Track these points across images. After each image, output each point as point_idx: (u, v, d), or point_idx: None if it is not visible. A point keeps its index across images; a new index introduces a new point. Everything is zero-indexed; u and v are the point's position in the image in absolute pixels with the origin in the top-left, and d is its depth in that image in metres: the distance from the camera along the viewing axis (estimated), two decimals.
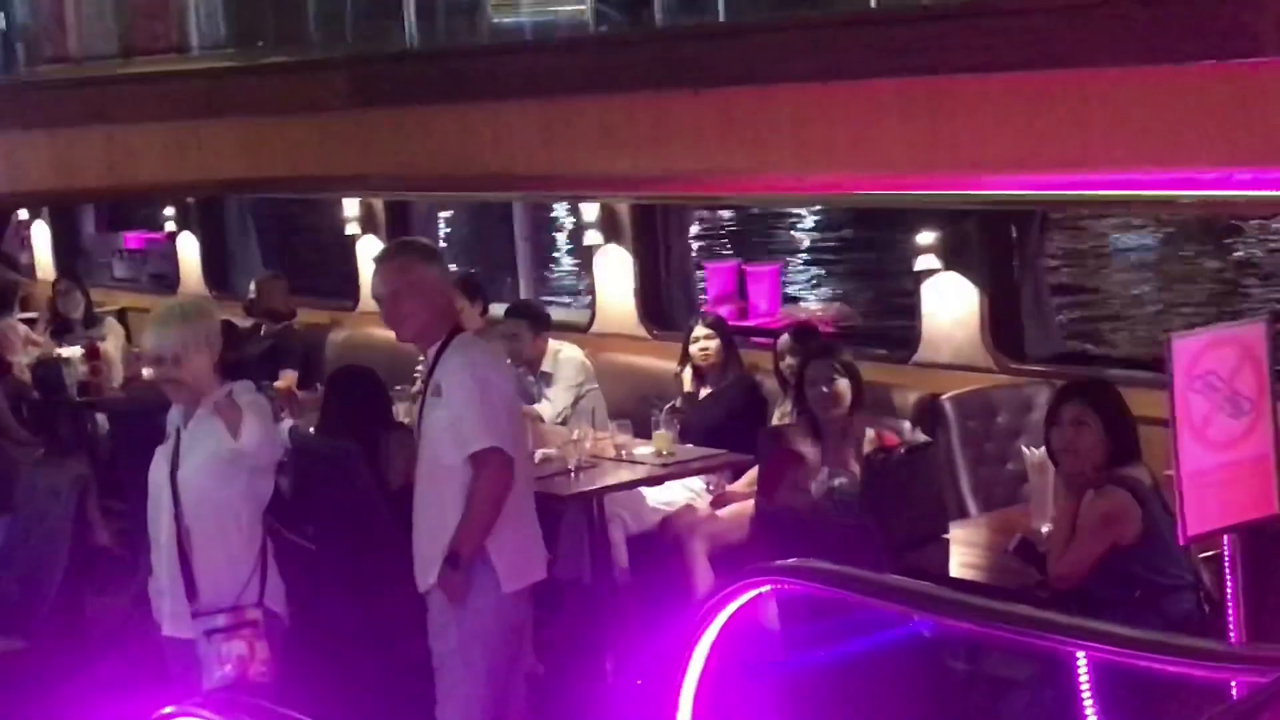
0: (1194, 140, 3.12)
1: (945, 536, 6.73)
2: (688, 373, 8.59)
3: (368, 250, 11.62)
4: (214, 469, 5.50)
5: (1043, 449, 6.62)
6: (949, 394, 7.97)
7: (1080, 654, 3.87)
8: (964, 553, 6.70)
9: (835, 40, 3.67)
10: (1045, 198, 6.08)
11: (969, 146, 3.51)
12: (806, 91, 3.78)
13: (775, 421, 8.05)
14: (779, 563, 4.06)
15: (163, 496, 5.58)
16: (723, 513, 7.99)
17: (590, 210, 9.88)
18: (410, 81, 5.27)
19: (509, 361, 8.95)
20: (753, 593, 3.98)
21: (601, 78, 4.48)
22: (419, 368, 6.77)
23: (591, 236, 9.97)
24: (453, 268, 11.45)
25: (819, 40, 3.74)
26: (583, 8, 5.78)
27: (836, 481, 6.83)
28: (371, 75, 5.57)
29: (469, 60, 5.32)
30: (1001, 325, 8.40)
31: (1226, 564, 3.83)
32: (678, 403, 8.48)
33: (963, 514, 7.49)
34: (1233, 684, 3.57)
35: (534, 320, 9.06)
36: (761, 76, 3.88)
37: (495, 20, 6.51)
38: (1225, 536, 3.81)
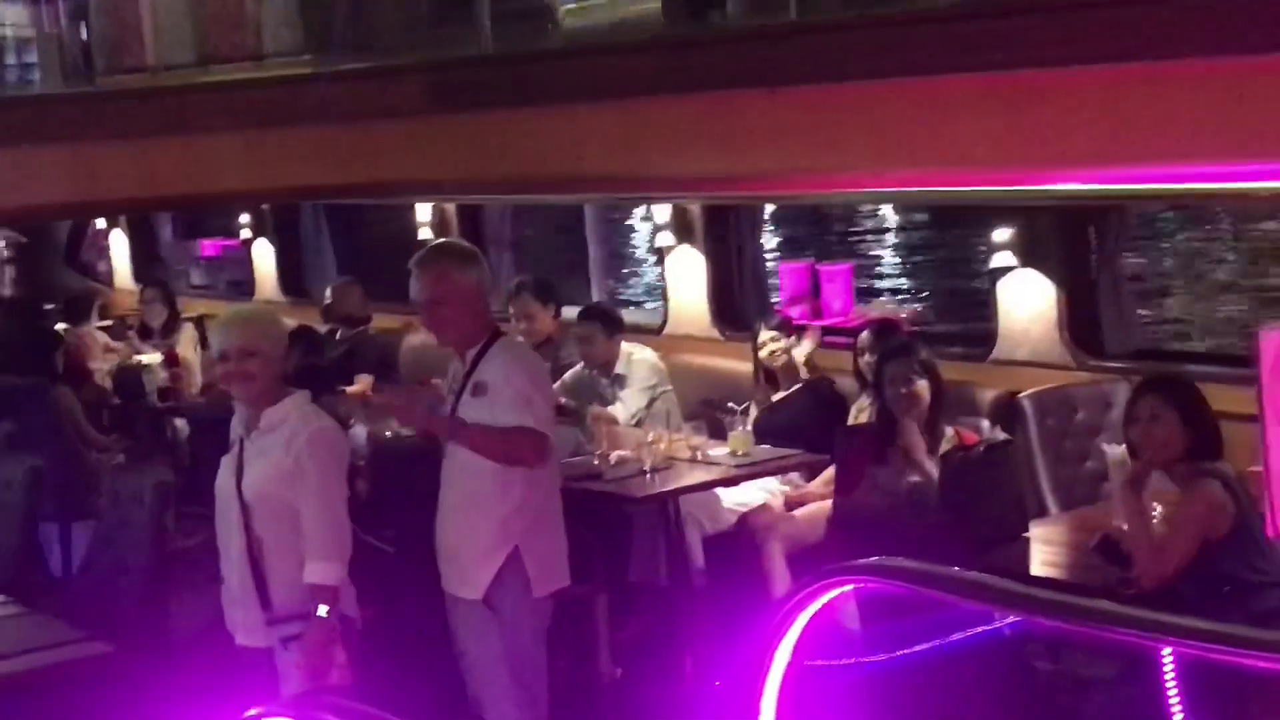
0: (1274, 133, 3.08)
1: (1025, 535, 6.69)
2: (764, 376, 8.57)
3: None
4: (279, 477, 5.50)
5: (1123, 446, 6.57)
6: (1027, 392, 7.92)
7: (1167, 650, 3.83)
8: (1045, 551, 6.66)
9: (911, 36, 3.65)
10: (1126, 192, 6.03)
11: (1047, 142, 3.48)
12: (882, 89, 3.76)
13: (853, 419, 8.02)
14: (860, 561, 4.04)
15: (230, 506, 5.60)
16: (799, 513, 7.97)
17: (662, 211, 9.88)
18: (484, 86, 5.28)
19: (581, 364, 9.07)
20: (835, 592, 3.97)
21: (675, 79, 4.47)
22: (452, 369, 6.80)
23: (664, 238, 9.97)
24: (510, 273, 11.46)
25: (894, 37, 3.72)
26: (653, 7, 5.80)
27: (915, 480, 6.79)
28: (446, 80, 5.59)
29: (542, 64, 5.33)
30: (1080, 322, 8.35)
31: None
32: (750, 403, 8.46)
33: (1042, 512, 7.44)
34: None
35: (607, 323, 9.06)
36: (836, 74, 3.86)
37: (568, 23, 6.53)
38: None
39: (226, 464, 5.69)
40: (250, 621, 5.59)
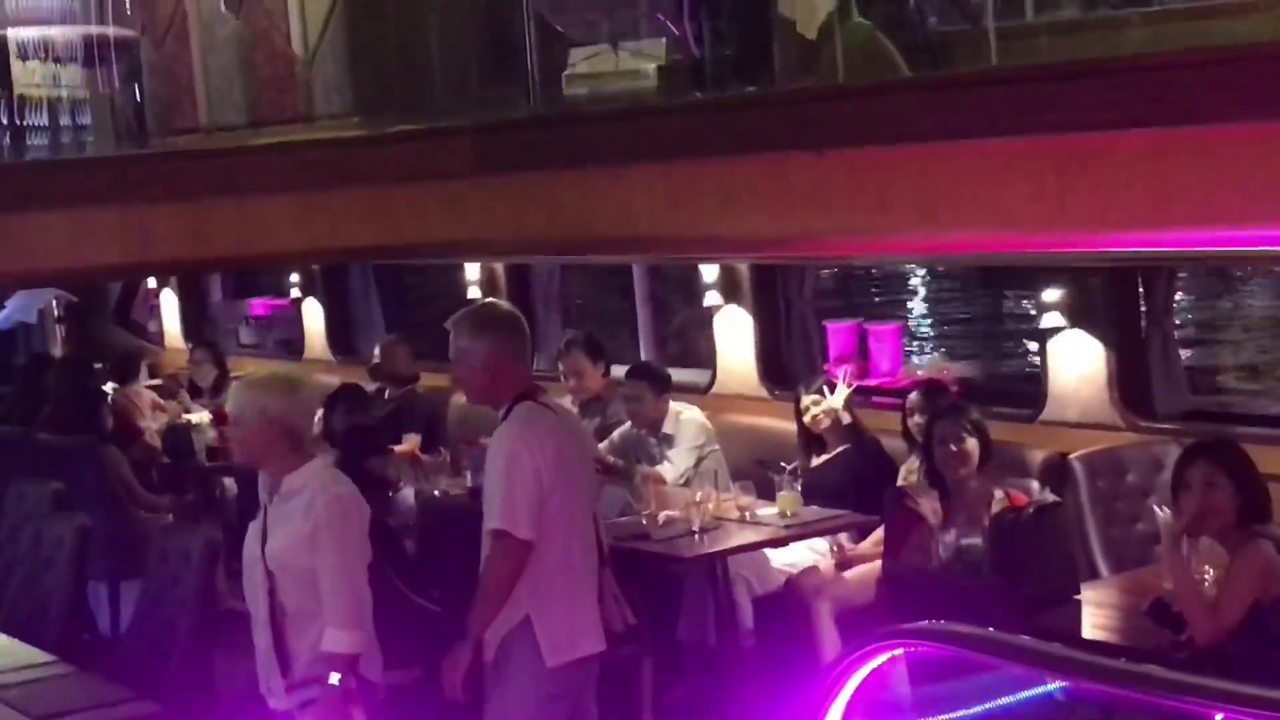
0: None
1: (1077, 597, 6.64)
2: (813, 437, 8.55)
3: None
4: (299, 544, 5.47)
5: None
6: (1077, 453, 7.88)
7: (1219, 717, 3.79)
8: (1096, 614, 6.60)
9: (960, 99, 3.66)
10: (1175, 255, 6.03)
11: (1097, 205, 3.47)
12: (931, 151, 3.76)
13: (902, 480, 7.99)
14: (911, 625, 4.02)
15: (255, 571, 5.58)
16: (848, 574, 7.93)
17: (710, 271, 9.89)
18: (533, 147, 5.31)
19: (629, 423, 9.06)
20: (885, 655, 3.95)
21: (724, 140, 4.49)
22: None
23: (711, 297, 9.98)
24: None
25: (943, 99, 3.72)
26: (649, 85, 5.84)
27: (965, 541, 6.75)
28: (495, 142, 5.63)
29: (591, 125, 5.37)
30: (1130, 383, 8.30)
31: None
32: (799, 464, 8.44)
33: (1094, 575, 7.39)
34: None
35: (655, 382, 9.07)
36: (885, 136, 3.86)
37: (567, 90, 6.58)
38: None
39: (253, 529, 5.68)
40: (274, 686, 5.59)
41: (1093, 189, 3.49)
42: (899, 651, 3.98)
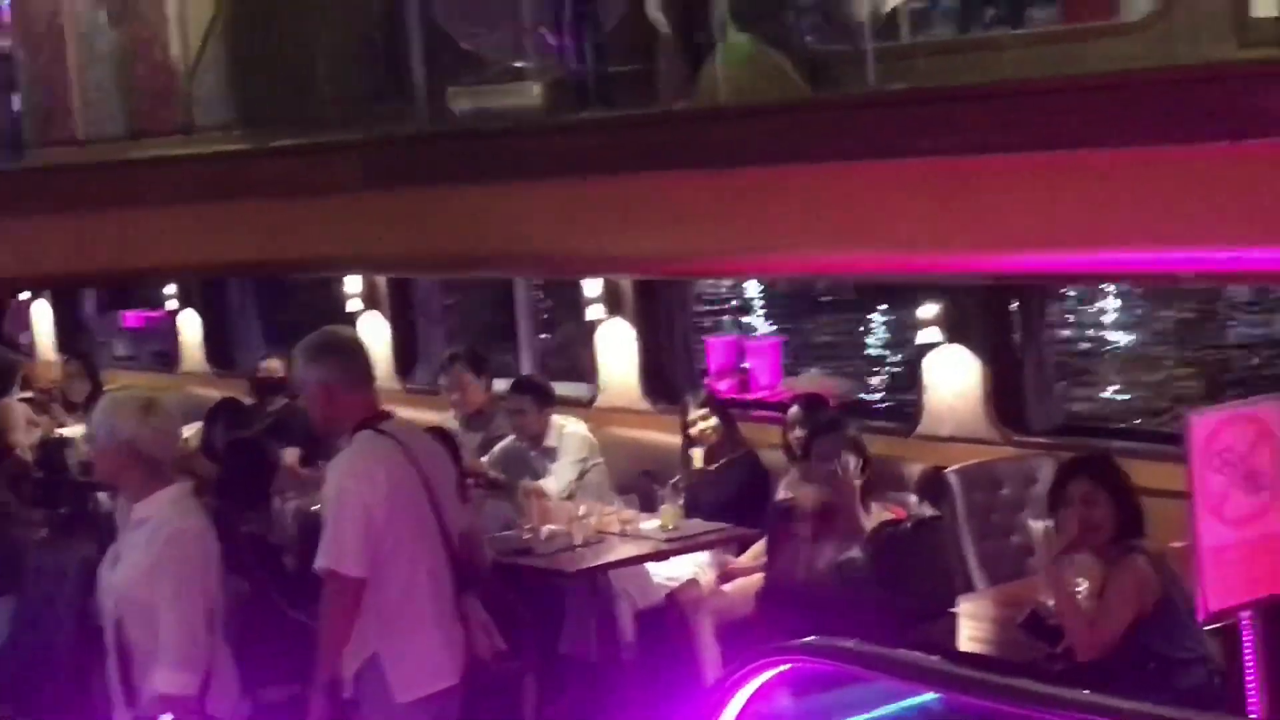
0: (1207, 220, 3.16)
1: (953, 610, 6.74)
2: (696, 450, 8.61)
3: (370, 327, 11.69)
4: (139, 577, 5.20)
5: (1049, 521, 6.64)
6: (953, 467, 7.99)
7: None
8: (972, 626, 6.71)
9: (850, 120, 3.72)
10: (1058, 276, 6.16)
11: (984, 226, 3.55)
12: (822, 171, 3.82)
13: (781, 493, 8.07)
14: (797, 641, 4.07)
15: (106, 599, 5.37)
16: (729, 587, 8.00)
17: (593, 285, 9.93)
18: (423, 163, 5.31)
19: (512, 437, 9.07)
20: (771, 672, 4.00)
21: (612, 158, 4.52)
22: None
23: (594, 311, 10.01)
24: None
25: (834, 120, 3.79)
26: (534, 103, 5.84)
27: (844, 556, 6.85)
28: (383, 157, 5.62)
29: (482, 141, 5.37)
30: (1004, 397, 8.44)
31: (1245, 640, 3.85)
32: (680, 478, 8.50)
33: (969, 587, 7.48)
34: None
35: (538, 395, 9.09)
36: (778, 157, 3.92)
37: (456, 106, 6.55)
38: (1244, 613, 3.83)
39: (109, 554, 5.45)
40: (121, 716, 5.36)
41: (974, 211, 3.57)
42: (785, 667, 4.02)
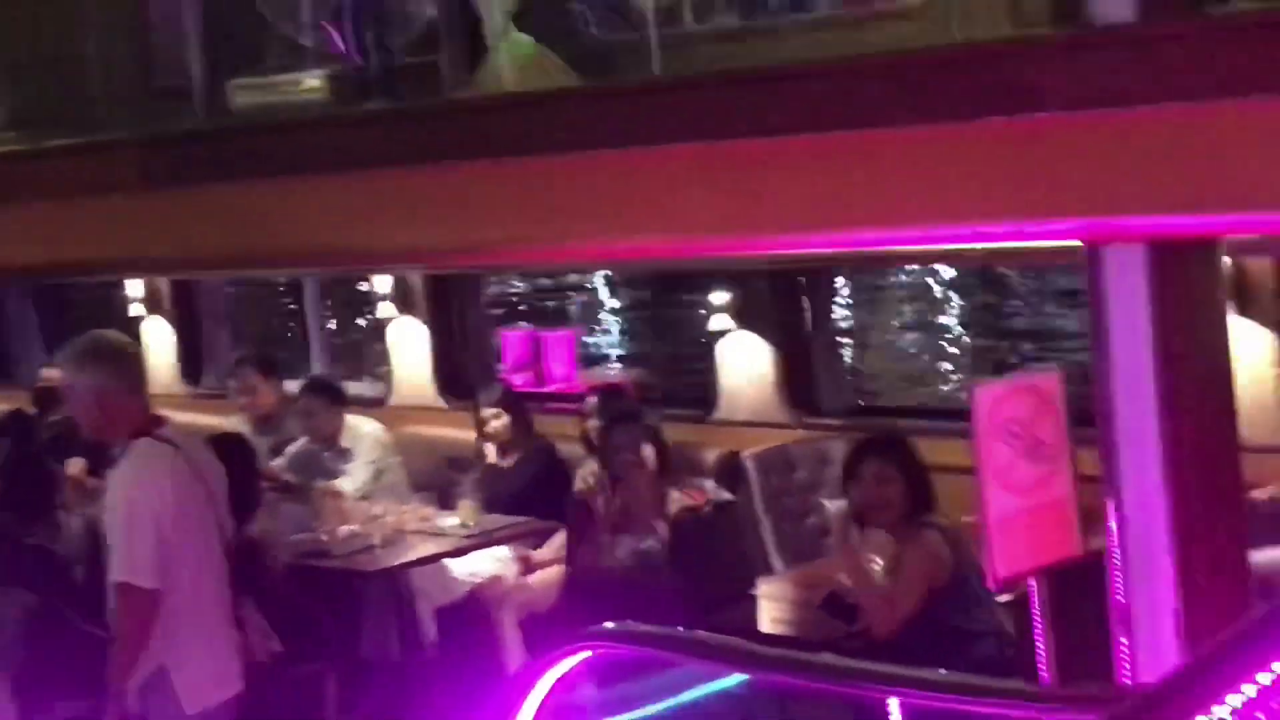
0: (983, 195, 3.23)
1: (753, 593, 6.81)
2: (489, 447, 8.58)
3: (154, 332, 11.45)
4: None
5: (843, 501, 6.74)
6: (749, 451, 8.07)
7: (893, 700, 3.94)
8: (772, 608, 6.78)
9: (636, 107, 3.73)
10: (849, 255, 6.24)
11: (769, 209, 3.58)
12: (608, 159, 3.82)
13: (579, 484, 8.07)
14: (600, 627, 4.08)
15: None
16: (531, 580, 7.98)
17: (383, 282, 9.84)
18: (202, 161, 5.20)
19: (305, 438, 8.95)
20: (576, 659, 4.00)
21: (398, 150, 4.47)
22: None
23: (385, 309, 9.93)
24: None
25: (617, 108, 3.79)
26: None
27: (645, 544, 6.87)
28: (163, 155, 5.49)
29: (262, 137, 5.28)
30: (795, 381, 8.55)
31: (1035, 606, 3.94)
32: (478, 473, 8.46)
33: (768, 570, 7.57)
34: None
35: (330, 396, 8.98)
36: (563, 145, 3.91)
37: (238, 100, 6.44)
38: (1032, 579, 3.92)
39: None
40: None
41: (762, 194, 3.60)
42: (588, 654, 4.03)
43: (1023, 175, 3.16)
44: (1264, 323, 6.57)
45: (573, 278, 24.44)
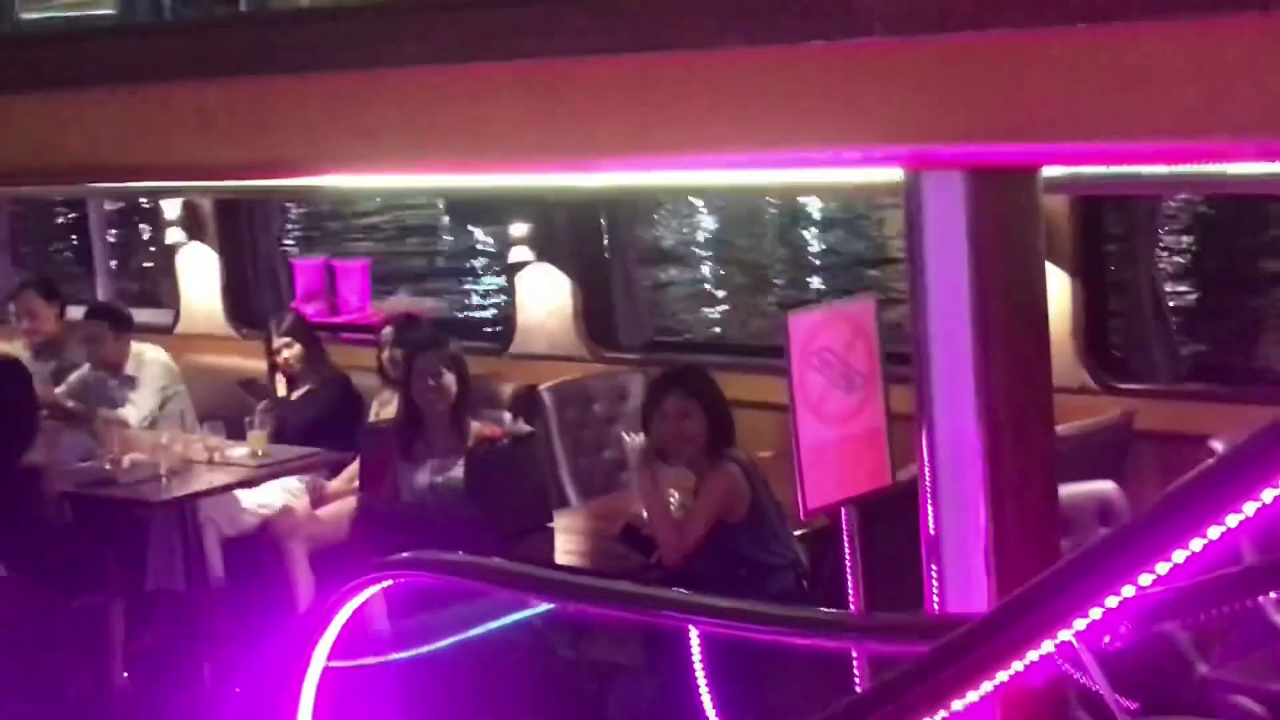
0: (804, 121, 3.18)
1: (550, 525, 6.77)
2: (279, 379, 8.41)
3: None
4: None
5: (641, 435, 6.72)
6: (546, 384, 8.02)
7: (693, 629, 3.92)
8: (568, 540, 6.76)
9: (445, 23, 3.62)
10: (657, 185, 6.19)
11: (582, 131, 3.50)
12: (416, 75, 3.71)
13: (374, 415, 7.96)
14: (399, 556, 3.99)
15: None
16: (322, 512, 7.86)
17: (172, 207, 9.58)
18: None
19: (89, 365, 8.71)
20: (375, 588, 3.92)
21: (194, 63, 4.30)
22: None
23: (174, 234, 9.68)
24: None
25: (428, 23, 3.68)
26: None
27: (442, 476, 6.78)
28: None
29: (47, 47, 5.05)
30: (594, 315, 8.51)
31: (845, 535, 3.94)
32: (269, 403, 8.30)
33: (564, 503, 7.55)
34: (853, 653, 3.69)
35: (116, 321, 8.74)
36: (370, 60, 3.79)
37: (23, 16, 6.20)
38: (842, 509, 3.92)
39: None
40: None
41: (578, 115, 3.51)
42: (389, 583, 3.94)
43: (844, 101, 3.12)
44: (1060, 264, 6.69)
45: (370, 205, 24.17)
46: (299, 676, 4.04)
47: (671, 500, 6.10)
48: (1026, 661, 2.30)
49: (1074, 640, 2.05)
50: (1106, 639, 2.13)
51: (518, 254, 8.55)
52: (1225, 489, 2.10)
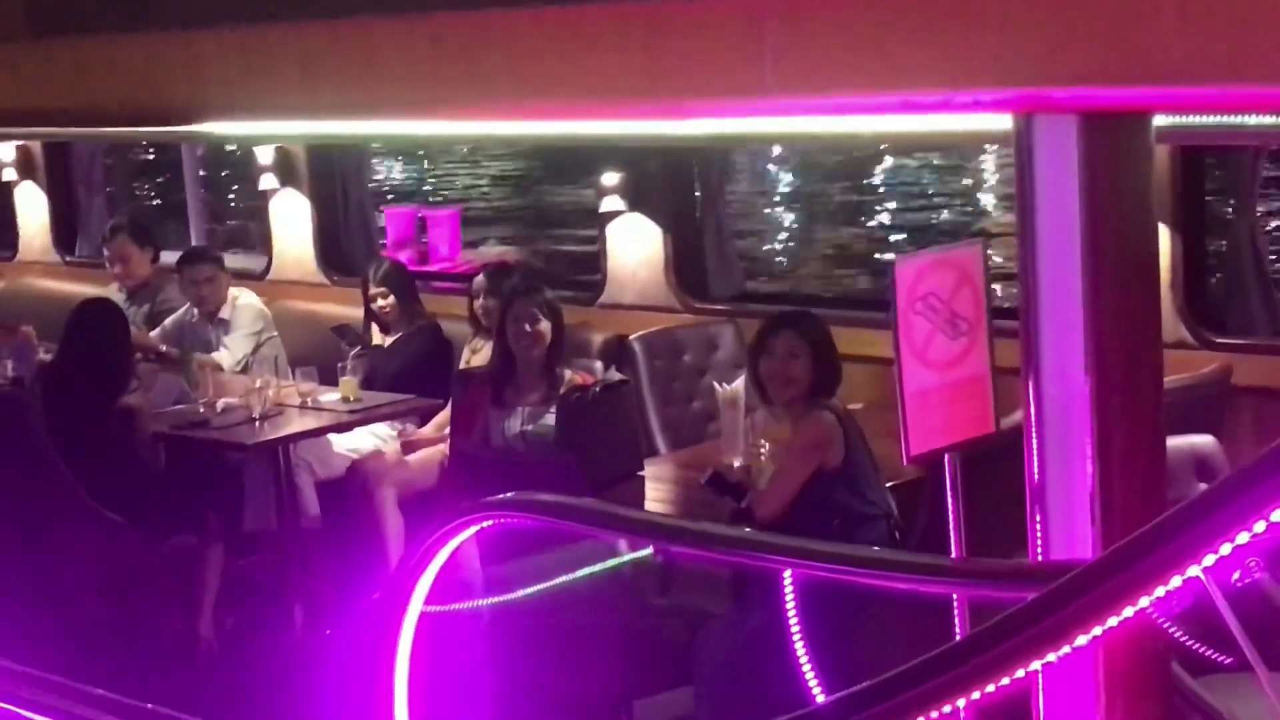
0: (914, 65, 3.16)
1: (640, 473, 6.79)
2: (374, 326, 8.48)
3: (26, 198, 11.16)
4: None
5: (734, 384, 6.71)
6: (636, 334, 8.03)
7: (787, 572, 3.92)
8: (657, 488, 6.77)
9: None
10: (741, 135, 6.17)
11: (690, 74, 3.49)
12: (521, 18, 3.71)
13: (464, 363, 7.99)
14: (498, 497, 4.02)
15: None
16: (412, 458, 7.92)
17: (265, 154, 9.64)
18: (92, 10, 4.99)
19: (183, 310, 8.80)
20: (474, 528, 3.94)
21: (302, 5, 4.32)
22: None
23: (267, 180, 9.74)
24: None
25: None
26: None
27: (533, 424, 6.81)
28: (49, 3, 5.26)
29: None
30: (685, 266, 8.50)
31: (948, 482, 3.93)
32: (361, 349, 8.36)
33: (653, 452, 7.56)
34: (954, 598, 3.68)
35: (211, 265, 8.84)
36: (474, 2, 3.79)
37: None
38: (946, 455, 3.90)
39: None
40: None
41: (681, 57, 3.50)
42: (488, 523, 3.96)
43: (956, 44, 3.09)
44: (1160, 217, 6.60)
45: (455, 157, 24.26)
46: (397, 619, 4.08)
47: (762, 451, 6.07)
48: (1137, 608, 2.29)
49: (1204, 577, 2.04)
50: (1236, 576, 2.11)
51: (609, 204, 8.54)
52: None
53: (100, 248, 9.78)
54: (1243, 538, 2.13)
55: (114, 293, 9.05)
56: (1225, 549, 2.03)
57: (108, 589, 7.19)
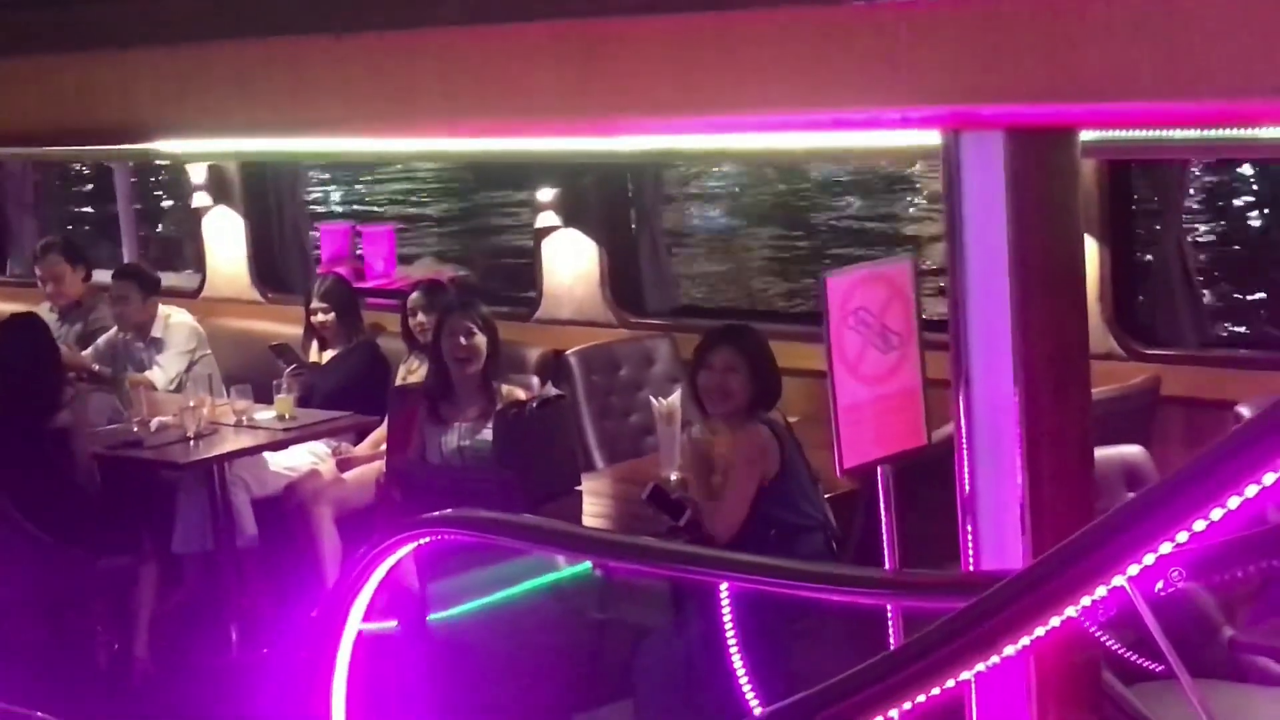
0: (843, 82, 3.19)
1: (578, 489, 6.80)
2: (314, 343, 8.48)
3: None
4: None
5: (669, 399, 6.76)
6: (573, 349, 8.05)
7: (724, 585, 3.95)
8: (595, 503, 6.79)
9: None
10: (675, 151, 6.21)
11: (623, 91, 3.51)
12: (455, 35, 3.72)
13: (400, 379, 7.99)
14: (436, 514, 4.02)
15: None
16: (348, 476, 7.90)
17: (198, 171, 9.61)
18: (24, 29, 4.97)
19: (115, 328, 8.75)
20: (412, 545, 3.94)
21: (234, 22, 4.31)
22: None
23: (200, 198, 9.71)
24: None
25: None
26: None
27: (470, 440, 6.81)
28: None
29: (88, 6, 5.07)
30: (621, 280, 8.53)
31: (881, 494, 3.97)
32: (297, 367, 8.35)
33: (590, 467, 7.58)
34: (888, 614, 3.72)
35: (143, 283, 8.78)
36: (407, 21, 3.80)
37: None
38: (879, 467, 3.94)
39: None
40: None
41: (618, 75, 3.52)
42: (425, 540, 3.97)
43: (884, 61, 3.13)
44: (1088, 230, 6.68)
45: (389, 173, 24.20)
46: (335, 635, 4.07)
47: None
48: (1065, 616, 2.32)
49: (1128, 587, 2.08)
50: (1159, 586, 2.15)
51: (545, 219, 8.57)
52: (1259, 449, 2.11)
53: (31, 266, 9.73)
54: (1165, 548, 2.17)
55: (46, 312, 9.00)
56: (1149, 559, 2.07)
57: (42, 609, 7.14)
